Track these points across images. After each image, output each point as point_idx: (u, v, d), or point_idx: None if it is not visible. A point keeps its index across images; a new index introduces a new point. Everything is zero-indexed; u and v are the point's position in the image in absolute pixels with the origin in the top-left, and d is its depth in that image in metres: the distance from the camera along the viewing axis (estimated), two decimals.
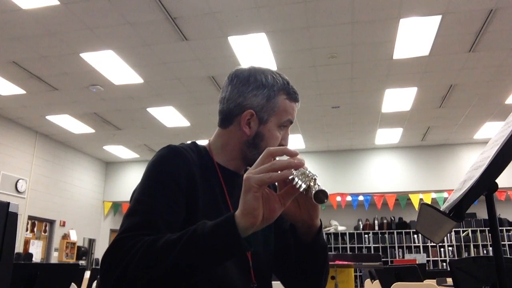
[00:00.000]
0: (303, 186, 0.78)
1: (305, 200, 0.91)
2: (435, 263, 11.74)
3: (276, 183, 0.86)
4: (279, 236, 1.13)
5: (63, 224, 10.29)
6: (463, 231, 11.82)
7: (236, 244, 0.78)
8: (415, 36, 5.76)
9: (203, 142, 1.14)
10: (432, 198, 10.11)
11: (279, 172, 0.78)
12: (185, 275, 0.80)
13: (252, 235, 0.80)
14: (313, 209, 0.93)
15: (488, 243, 11.40)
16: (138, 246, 0.81)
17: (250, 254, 1.04)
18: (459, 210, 1.00)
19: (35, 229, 9.63)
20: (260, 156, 0.82)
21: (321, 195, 0.75)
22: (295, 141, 10.04)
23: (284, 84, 1.10)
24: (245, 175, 0.79)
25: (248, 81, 1.09)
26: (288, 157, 0.83)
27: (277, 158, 0.83)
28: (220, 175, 1.08)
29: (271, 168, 0.78)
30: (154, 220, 0.89)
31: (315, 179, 0.78)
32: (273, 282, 1.13)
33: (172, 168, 0.97)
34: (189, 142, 1.11)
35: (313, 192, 0.76)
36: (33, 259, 8.91)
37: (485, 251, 11.49)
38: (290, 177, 0.79)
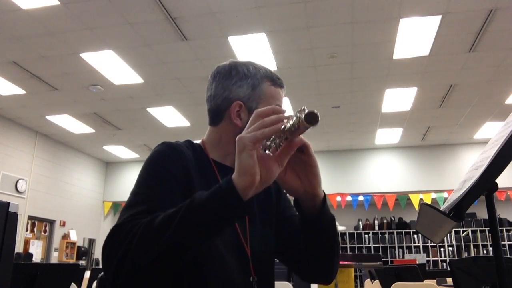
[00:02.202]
0: (294, 119, 0.76)
1: (303, 167, 0.91)
2: (435, 263, 11.73)
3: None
4: (284, 224, 1.12)
5: (63, 224, 10.29)
6: (463, 231, 11.82)
7: (236, 204, 0.76)
8: (415, 36, 5.76)
9: (197, 141, 1.14)
10: (432, 198, 10.11)
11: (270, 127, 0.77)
12: (187, 245, 0.79)
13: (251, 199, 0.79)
14: (313, 177, 0.92)
15: (488, 243, 11.40)
16: (138, 226, 0.81)
17: (249, 248, 1.04)
18: (459, 210, 1.00)
19: (35, 229, 9.62)
20: (250, 118, 0.81)
21: (312, 115, 0.73)
22: None
23: (267, 72, 1.11)
24: (237, 137, 0.79)
25: (231, 74, 1.10)
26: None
27: None
28: (216, 171, 1.07)
29: (262, 125, 0.78)
30: (153, 208, 0.88)
31: (304, 109, 0.75)
32: (276, 282, 1.12)
33: (168, 163, 0.97)
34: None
35: (303, 117, 0.73)
36: (33, 259, 8.91)
37: (485, 251, 11.49)
38: (282, 127, 0.78)
